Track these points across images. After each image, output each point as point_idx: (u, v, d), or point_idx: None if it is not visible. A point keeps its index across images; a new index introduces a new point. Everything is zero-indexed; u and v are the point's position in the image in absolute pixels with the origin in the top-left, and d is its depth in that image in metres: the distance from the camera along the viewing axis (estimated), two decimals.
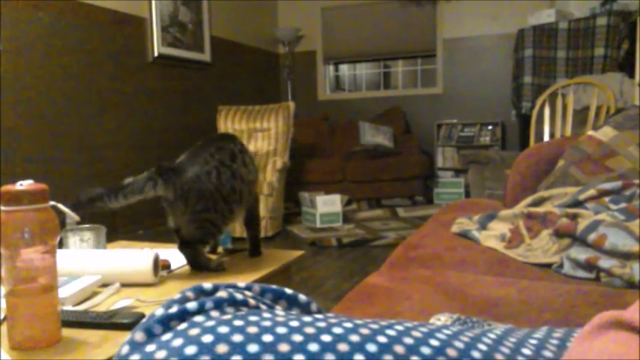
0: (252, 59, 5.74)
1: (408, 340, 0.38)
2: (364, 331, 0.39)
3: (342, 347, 0.37)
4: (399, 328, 0.40)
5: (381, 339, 0.38)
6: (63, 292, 1.06)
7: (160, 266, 1.30)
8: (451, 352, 0.38)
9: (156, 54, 4.25)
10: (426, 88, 5.87)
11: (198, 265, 1.37)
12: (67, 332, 0.93)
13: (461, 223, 1.51)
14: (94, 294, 1.15)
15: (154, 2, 4.22)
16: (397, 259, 1.29)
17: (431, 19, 5.67)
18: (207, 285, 0.45)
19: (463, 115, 5.56)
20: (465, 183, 5.14)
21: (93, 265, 1.23)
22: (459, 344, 0.39)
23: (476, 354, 0.38)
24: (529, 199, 1.54)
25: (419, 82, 6.41)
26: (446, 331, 0.41)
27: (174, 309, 0.41)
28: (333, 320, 0.41)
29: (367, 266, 3.01)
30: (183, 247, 1.37)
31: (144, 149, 4.19)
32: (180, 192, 1.29)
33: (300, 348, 0.36)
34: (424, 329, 0.41)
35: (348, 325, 0.40)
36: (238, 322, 0.39)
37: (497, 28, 5.37)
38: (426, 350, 0.38)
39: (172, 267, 1.39)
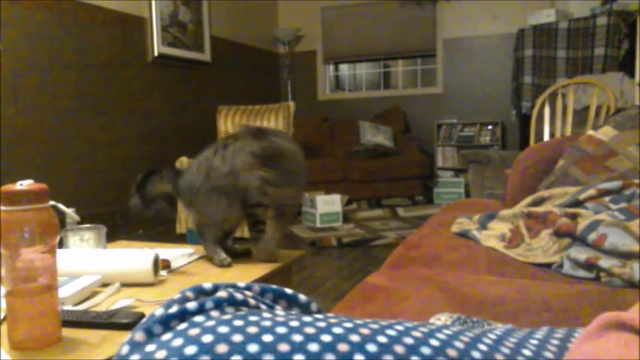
0: (252, 59, 5.74)
1: (408, 340, 0.38)
2: (364, 331, 0.39)
3: (342, 347, 0.37)
4: (399, 328, 0.40)
5: (381, 339, 0.38)
6: (63, 292, 1.06)
7: (160, 266, 1.30)
8: (451, 352, 0.38)
9: (156, 54, 4.25)
10: (425, 88, 5.88)
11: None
12: (67, 332, 0.93)
13: (461, 222, 1.51)
14: (94, 294, 1.15)
15: (153, 2, 4.22)
16: (397, 258, 1.29)
17: (431, 19, 5.67)
18: (207, 285, 0.45)
19: (463, 114, 5.56)
20: (465, 183, 5.14)
21: (93, 265, 1.23)
22: (459, 344, 0.39)
23: (476, 354, 0.38)
24: (529, 199, 1.54)
25: (419, 82, 6.41)
26: (446, 331, 0.41)
27: (174, 309, 0.41)
28: (333, 320, 0.41)
29: (367, 266, 3.01)
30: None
31: (144, 149, 4.19)
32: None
33: (300, 348, 0.36)
34: (424, 329, 0.41)
35: (348, 325, 0.40)
36: (238, 322, 0.39)
37: (497, 28, 5.37)
38: (426, 350, 0.38)
39: (172, 267, 1.39)
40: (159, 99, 4.36)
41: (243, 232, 3.30)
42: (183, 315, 0.40)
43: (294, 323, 0.39)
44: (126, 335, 0.92)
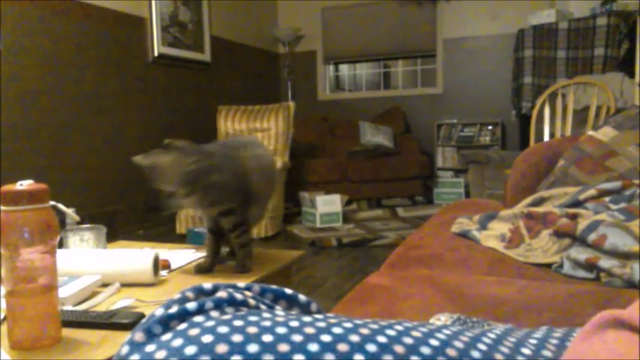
0: (252, 59, 5.74)
1: (408, 340, 0.38)
2: (364, 331, 0.39)
3: (342, 347, 0.37)
4: (399, 328, 0.40)
5: (381, 339, 0.38)
6: (63, 292, 1.06)
7: (160, 266, 1.30)
8: (451, 352, 0.38)
9: (156, 54, 4.25)
10: (426, 88, 5.87)
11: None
12: (67, 332, 0.93)
13: (461, 223, 1.51)
14: (94, 294, 1.15)
15: (153, 2, 4.22)
16: (397, 258, 1.29)
17: (431, 19, 5.67)
18: (207, 285, 0.45)
19: (463, 115, 5.56)
20: (465, 183, 5.14)
21: (93, 265, 1.23)
22: (458, 344, 0.39)
23: (475, 354, 0.38)
24: (529, 199, 1.54)
25: (419, 82, 6.40)
26: (446, 331, 0.41)
27: (174, 309, 0.41)
28: (332, 320, 0.41)
29: (367, 266, 3.01)
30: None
31: (144, 149, 4.19)
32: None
33: (300, 348, 0.36)
34: (424, 329, 0.41)
35: (348, 325, 0.40)
36: (238, 323, 0.39)
37: (498, 28, 5.37)
38: (425, 350, 0.38)
39: (172, 267, 1.39)
40: (159, 99, 4.36)
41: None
42: (183, 315, 0.40)
43: (294, 323, 0.39)
44: (126, 335, 0.92)
